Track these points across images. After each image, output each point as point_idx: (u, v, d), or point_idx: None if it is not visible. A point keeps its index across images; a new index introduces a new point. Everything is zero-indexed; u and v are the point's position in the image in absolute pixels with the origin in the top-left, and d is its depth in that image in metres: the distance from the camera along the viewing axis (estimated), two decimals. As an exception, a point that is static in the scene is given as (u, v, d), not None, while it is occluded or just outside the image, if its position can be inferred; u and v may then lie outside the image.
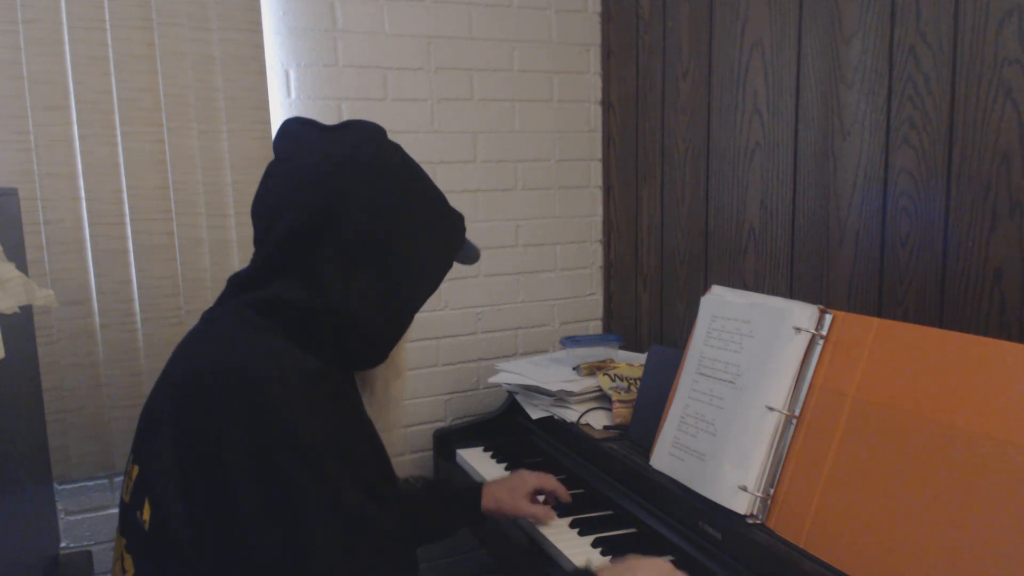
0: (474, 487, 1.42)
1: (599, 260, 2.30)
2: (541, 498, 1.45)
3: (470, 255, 1.14)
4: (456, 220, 1.09)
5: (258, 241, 1.00)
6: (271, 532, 0.81)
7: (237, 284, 1.00)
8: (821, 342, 1.18)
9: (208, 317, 1.00)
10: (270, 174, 1.00)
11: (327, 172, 0.96)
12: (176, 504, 0.85)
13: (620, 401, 1.64)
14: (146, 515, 0.88)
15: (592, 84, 2.22)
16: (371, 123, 1.05)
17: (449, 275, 1.94)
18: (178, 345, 0.99)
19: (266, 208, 0.99)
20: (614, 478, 1.49)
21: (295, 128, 1.03)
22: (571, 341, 2.04)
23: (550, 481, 1.44)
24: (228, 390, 0.85)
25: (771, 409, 1.19)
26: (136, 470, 0.92)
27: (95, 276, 1.67)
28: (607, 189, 2.26)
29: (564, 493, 1.45)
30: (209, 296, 1.75)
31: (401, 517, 1.07)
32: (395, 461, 2.13)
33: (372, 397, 1.09)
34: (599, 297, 2.32)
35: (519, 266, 2.18)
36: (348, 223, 0.94)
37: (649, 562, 1.07)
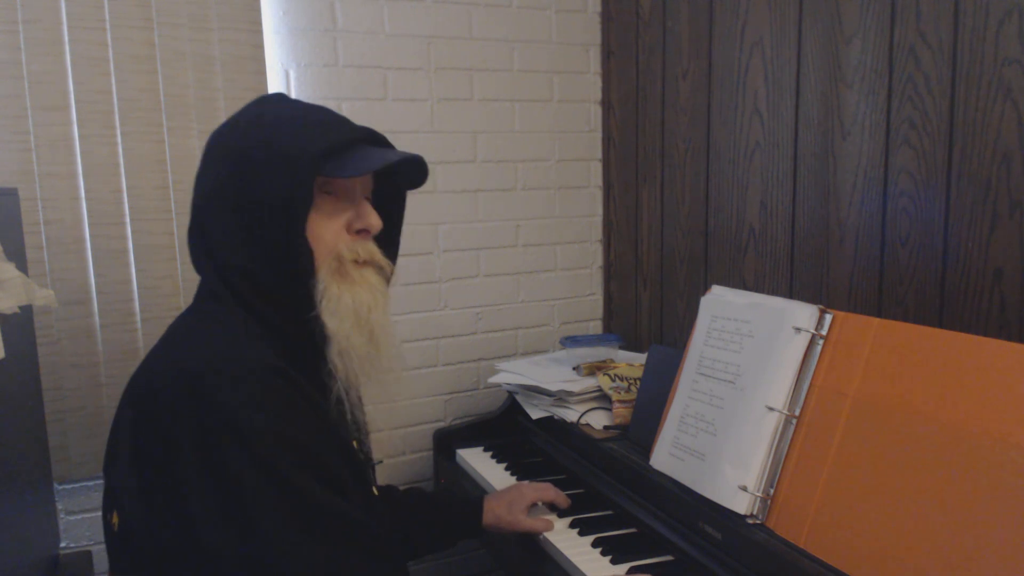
0: (475, 501, 1.42)
1: (599, 260, 2.30)
2: (539, 503, 1.45)
3: (355, 164, 0.95)
4: (322, 135, 0.95)
5: None
6: (225, 533, 0.82)
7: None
8: (821, 342, 1.18)
9: (178, 317, 1.02)
10: None
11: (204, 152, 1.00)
12: (137, 510, 0.86)
13: (620, 401, 1.64)
14: (115, 518, 0.89)
15: (592, 84, 2.22)
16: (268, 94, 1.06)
17: (449, 275, 1.92)
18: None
19: None
20: (614, 478, 1.49)
21: None
22: (571, 341, 2.04)
23: (548, 493, 1.45)
24: (176, 394, 0.85)
25: (771, 409, 1.19)
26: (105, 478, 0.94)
27: (95, 276, 1.67)
28: (607, 189, 2.26)
29: (563, 500, 1.46)
30: (209, 296, 1.75)
31: (378, 508, 1.05)
32: (395, 461, 2.14)
33: (343, 348, 0.98)
34: (599, 297, 2.32)
35: (519, 266, 2.18)
36: (205, 191, 0.97)
37: None
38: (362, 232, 0.99)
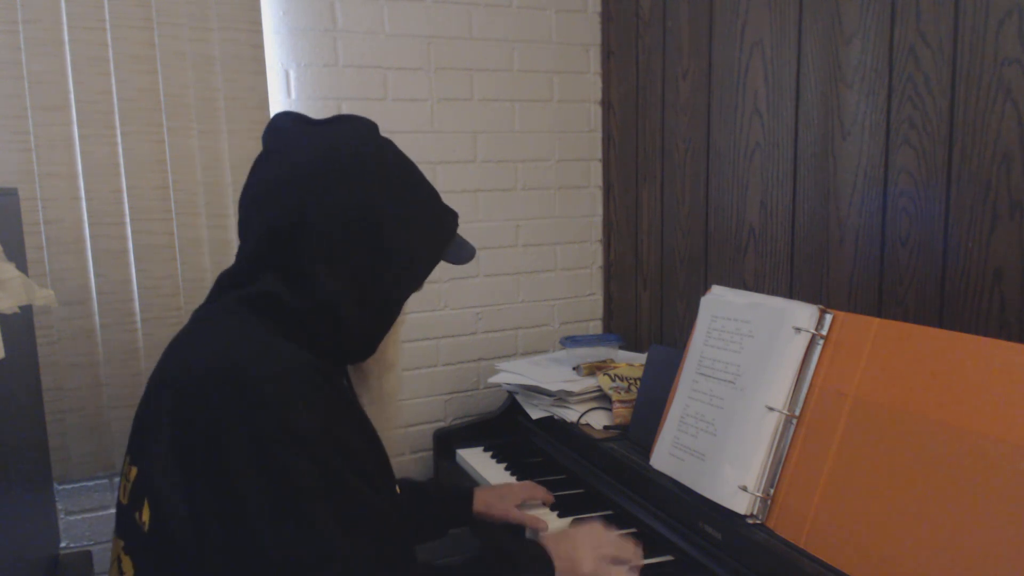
0: (465, 489, 1.46)
1: (599, 260, 2.30)
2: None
3: (461, 254, 1.12)
4: (446, 218, 1.08)
5: (241, 234, 1.00)
6: (281, 527, 0.81)
7: (224, 281, 1.00)
8: (821, 342, 1.18)
9: (198, 316, 1.00)
10: (256, 166, 1.00)
11: (309, 168, 0.95)
12: (177, 505, 0.84)
13: (620, 401, 1.64)
14: (145, 516, 0.87)
15: (592, 84, 2.22)
16: (361, 118, 1.05)
17: (449, 275, 1.93)
18: (169, 344, 0.98)
19: (249, 201, 0.99)
20: (614, 478, 1.49)
21: (284, 121, 1.02)
22: (571, 341, 2.04)
23: (538, 492, 1.48)
24: (226, 389, 0.85)
25: (771, 409, 1.19)
26: (134, 471, 0.91)
27: (95, 276, 1.67)
28: (607, 189, 2.26)
29: (549, 498, 1.49)
30: (209, 296, 1.75)
31: (399, 507, 1.07)
32: (395, 461, 2.13)
33: (368, 393, 1.09)
34: (599, 297, 2.32)
35: (519, 266, 2.18)
36: (329, 219, 0.94)
37: (587, 527, 1.16)
38: None
